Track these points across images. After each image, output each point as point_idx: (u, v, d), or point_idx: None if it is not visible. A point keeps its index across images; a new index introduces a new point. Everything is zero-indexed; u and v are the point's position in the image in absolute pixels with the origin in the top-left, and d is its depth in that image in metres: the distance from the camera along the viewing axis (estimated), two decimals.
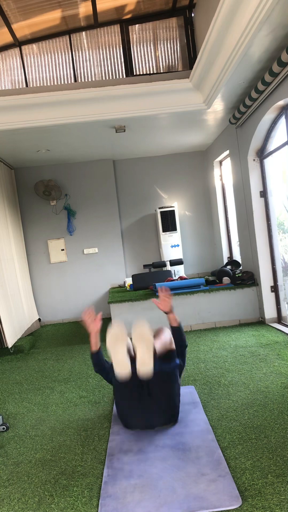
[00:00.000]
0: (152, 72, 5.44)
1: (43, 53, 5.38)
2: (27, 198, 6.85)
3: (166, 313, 2.94)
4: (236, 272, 5.66)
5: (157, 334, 2.90)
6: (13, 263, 5.86)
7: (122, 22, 5.30)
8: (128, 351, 2.65)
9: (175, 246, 6.86)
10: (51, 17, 5.02)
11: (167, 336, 2.84)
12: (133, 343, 2.52)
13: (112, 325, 2.58)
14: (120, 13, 5.18)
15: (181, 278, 6.17)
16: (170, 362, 2.69)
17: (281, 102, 4.09)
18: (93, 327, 2.80)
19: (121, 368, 2.48)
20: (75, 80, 5.38)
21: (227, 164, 6.45)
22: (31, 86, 5.38)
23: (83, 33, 5.34)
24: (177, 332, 2.92)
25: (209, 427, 2.60)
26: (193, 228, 7.32)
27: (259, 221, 5.08)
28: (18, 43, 5.27)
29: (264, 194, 5.07)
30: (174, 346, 2.80)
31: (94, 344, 2.80)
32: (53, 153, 6.12)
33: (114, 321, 5.12)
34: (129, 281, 6.73)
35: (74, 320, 6.93)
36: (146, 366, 2.46)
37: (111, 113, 4.72)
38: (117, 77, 5.42)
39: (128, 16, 5.25)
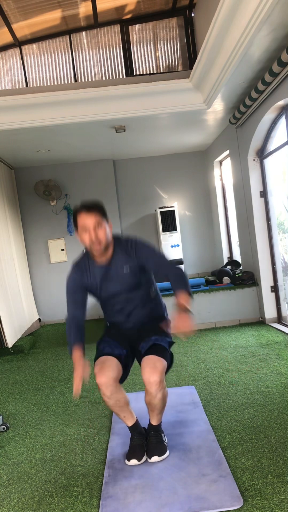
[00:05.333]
0: (152, 72, 5.44)
1: (43, 53, 5.37)
2: (27, 198, 6.84)
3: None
4: (236, 272, 5.66)
5: None
6: (13, 263, 5.85)
7: (122, 22, 5.29)
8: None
9: (175, 246, 6.86)
10: (51, 17, 5.01)
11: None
12: None
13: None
14: (120, 13, 5.18)
15: None
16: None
17: (281, 102, 4.09)
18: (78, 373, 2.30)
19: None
20: (75, 80, 5.37)
21: (227, 164, 6.44)
22: (31, 86, 5.37)
23: (83, 33, 5.34)
24: None
25: (209, 427, 2.60)
26: (193, 228, 7.31)
27: (259, 221, 5.07)
28: (18, 43, 5.27)
29: (264, 194, 5.07)
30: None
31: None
32: (53, 153, 6.11)
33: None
34: None
35: None
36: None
37: (111, 113, 4.71)
38: (117, 77, 5.41)
39: (128, 16, 5.25)
